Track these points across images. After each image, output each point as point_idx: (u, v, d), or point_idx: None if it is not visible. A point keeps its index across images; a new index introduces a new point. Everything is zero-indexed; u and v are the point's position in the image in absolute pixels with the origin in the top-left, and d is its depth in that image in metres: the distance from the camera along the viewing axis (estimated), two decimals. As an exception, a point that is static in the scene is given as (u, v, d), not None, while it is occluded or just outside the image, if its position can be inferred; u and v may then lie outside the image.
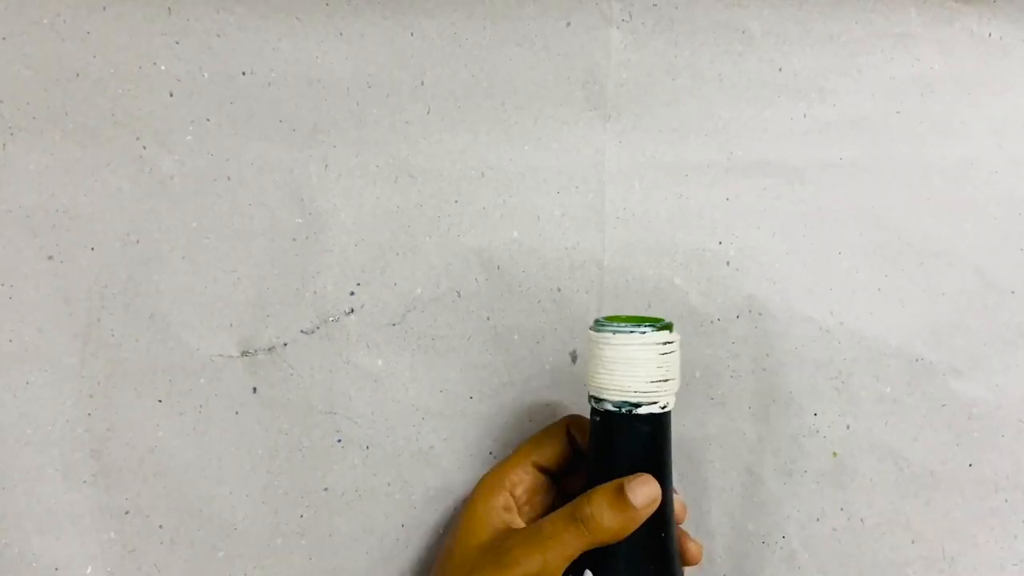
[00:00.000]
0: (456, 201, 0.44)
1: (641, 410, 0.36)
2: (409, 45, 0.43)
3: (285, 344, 0.43)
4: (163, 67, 0.41)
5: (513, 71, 0.44)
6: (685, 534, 0.40)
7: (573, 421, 0.42)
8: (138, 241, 0.42)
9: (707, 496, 0.48)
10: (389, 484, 0.45)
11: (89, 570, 0.42)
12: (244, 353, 0.43)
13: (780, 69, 0.46)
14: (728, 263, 0.47)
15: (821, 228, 0.47)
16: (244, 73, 0.42)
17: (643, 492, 0.35)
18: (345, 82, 0.43)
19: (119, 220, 0.42)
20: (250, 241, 0.43)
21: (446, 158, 0.44)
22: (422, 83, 0.44)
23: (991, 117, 0.48)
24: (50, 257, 0.41)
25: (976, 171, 0.48)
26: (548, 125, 0.45)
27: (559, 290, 0.46)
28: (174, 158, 0.42)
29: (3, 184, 0.41)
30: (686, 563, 0.39)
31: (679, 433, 0.40)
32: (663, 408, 0.36)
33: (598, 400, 0.37)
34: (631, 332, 0.36)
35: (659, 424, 0.36)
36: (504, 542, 0.37)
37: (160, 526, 0.43)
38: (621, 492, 0.35)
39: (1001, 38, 0.47)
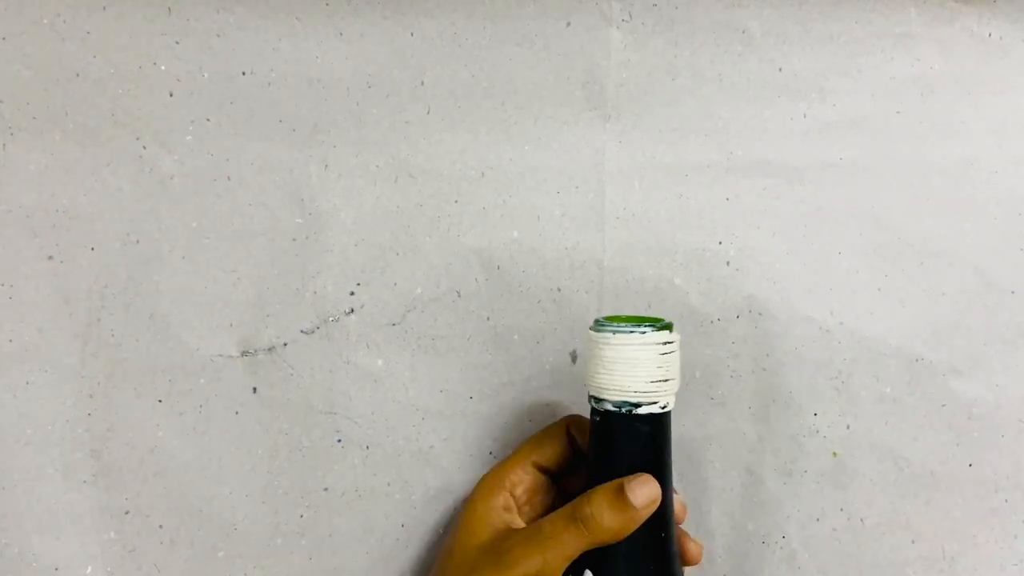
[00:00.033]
0: (456, 201, 0.44)
1: (641, 410, 0.36)
2: (409, 45, 0.43)
3: (285, 344, 0.43)
4: (163, 67, 0.41)
5: (513, 71, 0.44)
6: (685, 534, 0.40)
7: (573, 421, 0.42)
8: (138, 241, 0.42)
9: (707, 496, 0.47)
10: (389, 484, 0.45)
11: (89, 570, 0.42)
12: (244, 353, 0.43)
13: (780, 69, 0.46)
14: (728, 263, 0.47)
15: (821, 228, 0.47)
16: (244, 73, 0.42)
17: (643, 492, 0.35)
18: (345, 82, 0.43)
19: (119, 220, 0.42)
20: (250, 241, 0.43)
21: (446, 158, 0.44)
22: (422, 83, 0.44)
23: (991, 117, 0.48)
24: (50, 257, 0.41)
25: (976, 171, 0.48)
26: (548, 125, 0.45)
27: (559, 290, 0.46)
28: (174, 158, 0.42)
29: (3, 184, 0.41)
30: (686, 563, 0.39)
31: (679, 433, 0.40)
32: (663, 408, 0.36)
33: (598, 400, 0.37)
34: (631, 332, 0.36)
35: (659, 424, 0.36)
36: (504, 542, 0.37)
37: (160, 526, 0.43)
38: (621, 492, 0.35)
39: (1001, 38, 0.47)
